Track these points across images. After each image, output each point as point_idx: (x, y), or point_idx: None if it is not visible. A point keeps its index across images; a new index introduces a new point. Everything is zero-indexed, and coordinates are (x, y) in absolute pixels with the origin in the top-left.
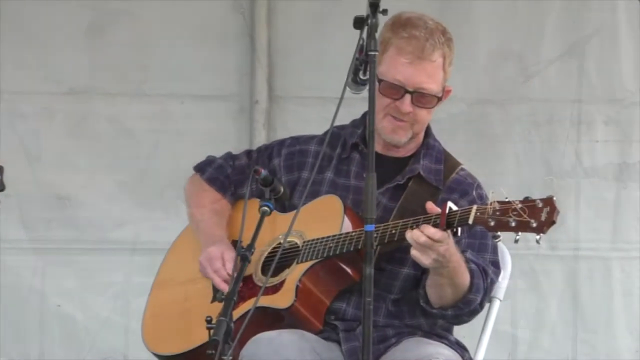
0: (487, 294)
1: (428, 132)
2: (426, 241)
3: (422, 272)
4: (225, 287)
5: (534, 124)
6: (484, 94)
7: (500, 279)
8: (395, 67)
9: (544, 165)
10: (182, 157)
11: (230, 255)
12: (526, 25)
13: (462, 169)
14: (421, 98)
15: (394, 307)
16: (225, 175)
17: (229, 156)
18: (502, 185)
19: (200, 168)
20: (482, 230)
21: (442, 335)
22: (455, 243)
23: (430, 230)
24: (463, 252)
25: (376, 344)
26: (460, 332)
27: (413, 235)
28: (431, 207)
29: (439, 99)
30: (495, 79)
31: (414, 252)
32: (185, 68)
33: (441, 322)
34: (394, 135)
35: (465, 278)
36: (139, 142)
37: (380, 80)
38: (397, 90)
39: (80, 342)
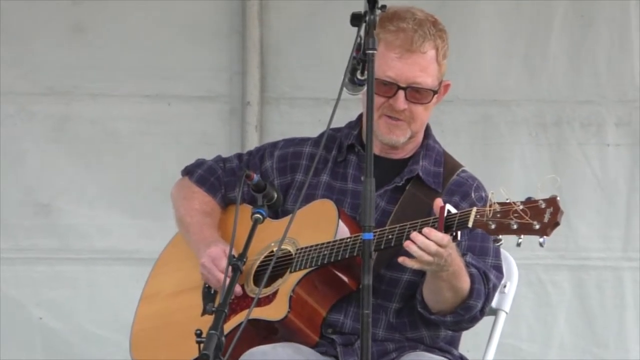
0: (488, 300)
1: (428, 133)
2: (438, 250)
3: (422, 277)
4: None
5: (541, 125)
6: (489, 94)
7: (506, 290)
8: (385, 62)
9: (551, 169)
10: (170, 160)
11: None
12: (532, 22)
13: (464, 171)
14: (415, 93)
15: (395, 319)
16: (216, 177)
17: (219, 158)
18: (507, 190)
19: (188, 171)
20: (483, 233)
21: (445, 349)
22: (455, 246)
23: (437, 235)
24: (463, 255)
25: (376, 359)
26: (464, 346)
27: (424, 247)
28: (438, 203)
29: (435, 94)
30: (500, 78)
31: (415, 263)
32: (173, 67)
33: (444, 334)
34: (391, 136)
35: (465, 282)
36: (124, 145)
37: None
38: (389, 88)
39: (62, 355)
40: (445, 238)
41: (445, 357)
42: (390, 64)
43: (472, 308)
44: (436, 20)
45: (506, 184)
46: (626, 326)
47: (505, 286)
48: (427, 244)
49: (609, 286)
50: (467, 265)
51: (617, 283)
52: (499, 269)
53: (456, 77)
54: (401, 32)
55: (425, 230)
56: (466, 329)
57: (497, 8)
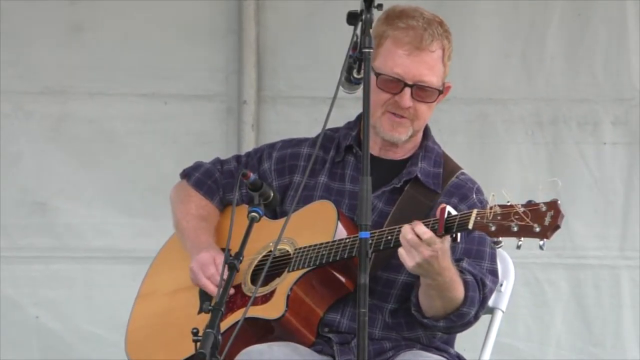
0: (482, 305)
1: (427, 134)
2: (412, 238)
3: (418, 279)
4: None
5: (538, 124)
6: (485, 93)
7: (503, 289)
8: (392, 59)
9: (548, 168)
10: (167, 159)
11: (222, 260)
12: (529, 21)
13: (463, 173)
14: (421, 92)
15: (391, 319)
16: (213, 180)
17: (217, 161)
18: (504, 188)
19: (186, 174)
20: (480, 236)
21: (442, 348)
22: (451, 251)
23: (421, 228)
24: (459, 260)
25: (372, 358)
26: (461, 345)
27: (403, 230)
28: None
29: (440, 93)
30: (497, 77)
31: (400, 251)
32: (169, 66)
33: (440, 334)
34: (393, 133)
35: (458, 292)
36: (120, 144)
37: (377, 75)
38: (396, 84)
39: (59, 355)
40: (426, 234)
41: (442, 356)
42: (398, 61)
43: (465, 315)
44: (442, 21)
45: (503, 183)
46: (623, 325)
47: (502, 285)
48: (405, 231)
49: (606, 285)
50: (463, 271)
51: (614, 282)
52: (494, 273)
53: (453, 76)
54: (411, 29)
55: (413, 223)
56: (459, 332)
57: (495, 7)
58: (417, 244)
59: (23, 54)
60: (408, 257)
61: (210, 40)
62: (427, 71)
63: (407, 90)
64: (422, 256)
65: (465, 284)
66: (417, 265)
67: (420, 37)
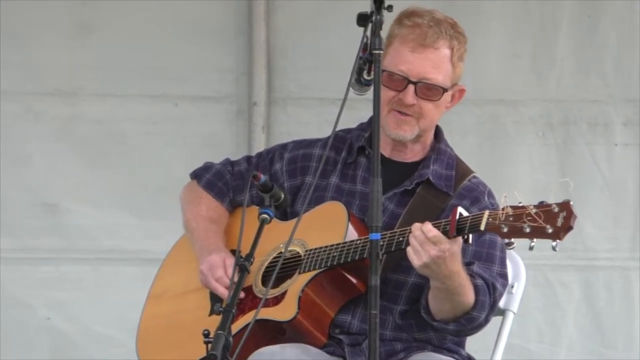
0: (493, 309)
1: (440, 137)
2: (419, 235)
3: (427, 281)
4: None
5: (548, 125)
6: (495, 94)
7: (514, 291)
8: (398, 56)
9: (559, 169)
10: (176, 161)
11: (232, 262)
12: (539, 22)
13: (475, 177)
14: (425, 89)
15: (402, 320)
16: (224, 181)
17: (228, 162)
18: (515, 189)
19: (197, 174)
20: (490, 240)
21: (453, 349)
22: (462, 254)
23: (427, 226)
24: (470, 264)
25: (384, 359)
26: (472, 346)
27: (412, 228)
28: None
29: (445, 91)
30: (507, 78)
31: (408, 249)
32: (179, 68)
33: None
34: (398, 131)
35: (468, 296)
36: (130, 146)
37: (383, 72)
38: (400, 82)
39: (69, 356)
40: (431, 232)
41: (453, 357)
42: (403, 58)
43: (475, 319)
44: (456, 23)
45: (513, 184)
46: (634, 326)
47: (513, 287)
48: (414, 227)
49: (617, 287)
50: (474, 276)
51: (625, 283)
52: (504, 277)
53: (463, 77)
54: (417, 27)
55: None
56: (469, 335)
57: (504, 8)
58: (423, 241)
59: (32, 55)
60: (415, 256)
61: (220, 41)
62: (431, 68)
63: (411, 87)
64: (428, 255)
65: (476, 288)
66: (424, 265)
67: (425, 35)
